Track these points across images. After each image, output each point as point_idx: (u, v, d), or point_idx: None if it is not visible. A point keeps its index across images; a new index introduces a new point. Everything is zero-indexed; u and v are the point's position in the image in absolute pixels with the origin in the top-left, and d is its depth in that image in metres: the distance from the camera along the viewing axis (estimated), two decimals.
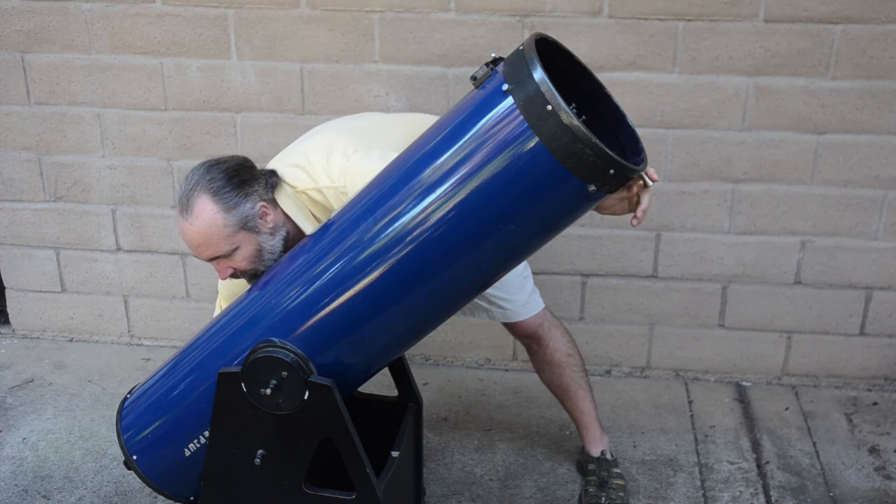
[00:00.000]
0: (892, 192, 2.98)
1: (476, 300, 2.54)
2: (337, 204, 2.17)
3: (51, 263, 3.45)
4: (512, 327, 2.63)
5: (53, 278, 3.48)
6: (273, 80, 3.07)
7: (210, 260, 2.17)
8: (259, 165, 2.27)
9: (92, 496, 2.72)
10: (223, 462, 2.09)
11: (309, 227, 2.19)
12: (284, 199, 2.20)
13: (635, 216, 1.92)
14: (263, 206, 2.15)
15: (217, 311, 2.52)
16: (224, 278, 2.19)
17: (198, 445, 2.13)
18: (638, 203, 1.90)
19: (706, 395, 3.18)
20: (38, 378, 3.31)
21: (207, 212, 2.10)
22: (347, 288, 1.92)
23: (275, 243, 2.18)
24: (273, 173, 2.22)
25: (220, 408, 2.03)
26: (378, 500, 2.00)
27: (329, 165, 2.19)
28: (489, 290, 2.50)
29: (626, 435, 2.97)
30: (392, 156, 2.03)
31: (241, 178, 2.14)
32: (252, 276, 2.19)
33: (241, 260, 2.15)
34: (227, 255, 2.15)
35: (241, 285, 2.28)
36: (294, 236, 2.21)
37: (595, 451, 2.72)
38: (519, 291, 2.55)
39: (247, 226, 2.13)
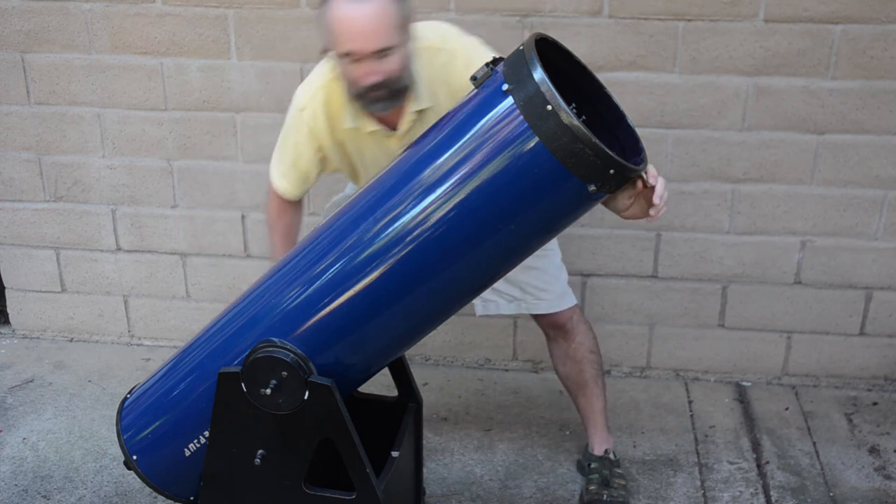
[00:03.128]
0: (892, 192, 2.98)
1: (508, 293, 2.56)
2: (461, 74, 2.08)
3: (51, 263, 3.45)
4: (541, 318, 2.62)
5: (53, 278, 3.48)
6: (273, 80, 3.07)
7: (371, 56, 2.02)
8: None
9: (92, 496, 2.72)
10: (223, 462, 2.09)
11: (423, 87, 2.15)
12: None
13: (653, 205, 1.90)
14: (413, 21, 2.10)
15: (274, 168, 2.41)
16: (371, 82, 2.05)
17: (198, 445, 2.13)
18: (651, 198, 1.90)
19: (706, 395, 3.18)
20: (38, 378, 3.31)
21: None
22: (347, 288, 1.92)
23: (412, 67, 2.11)
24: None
25: (220, 408, 2.03)
26: (378, 500, 2.00)
27: (461, 37, 2.19)
28: (525, 279, 2.52)
29: (626, 435, 2.97)
30: None
31: None
32: (389, 93, 2.08)
33: (396, 62, 2.04)
34: (387, 53, 2.02)
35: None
36: None
37: (599, 450, 2.72)
38: (556, 281, 2.57)
39: (406, 25, 2.05)
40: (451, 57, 2.16)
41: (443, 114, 2.03)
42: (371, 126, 2.23)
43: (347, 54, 2.03)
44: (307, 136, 2.31)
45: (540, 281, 2.54)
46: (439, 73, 2.17)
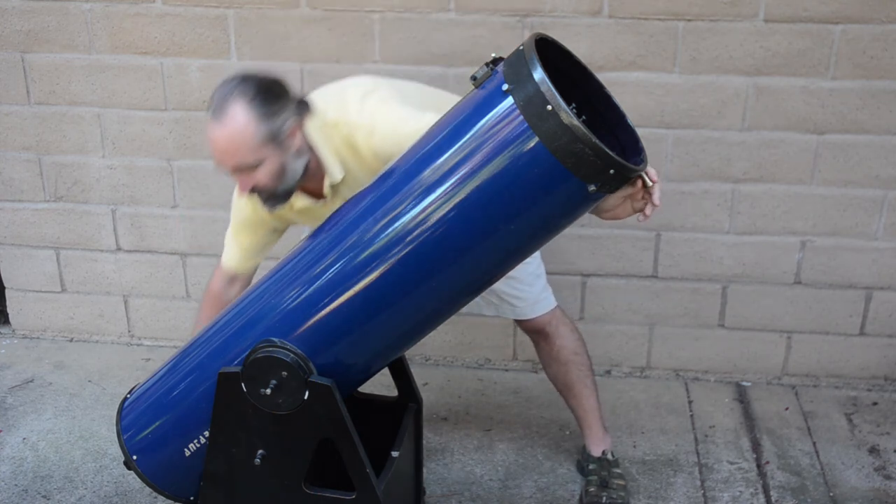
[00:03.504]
0: (892, 192, 2.98)
1: (487, 297, 2.57)
2: (364, 144, 2.14)
3: (51, 263, 3.45)
4: (520, 323, 2.65)
5: (53, 278, 3.48)
6: None
7: (233, 172, 2.11)
8: None
9: (92, 496, 2.72)
10: (223, 462, 2.09)
11: (332, 161, 2.16)
12: (312, 128, 2.16)
13: (644, 213, 1.90)
14: (293, 126, 2.11)
15: (227, 242, 2.48)
16: (243, 192, 2.14)
17: (198, 445, 2.13)
18: (644, 199, 1.89)
19: (706, 395, 3.18)
20: (38, 378, 3.31)
21: (240, 117, 2.04)
22: (347, 288, 1.92)
23: (297, 166, 2.14)
24: (305, 101, 2.18)
25: (220, 408, 2.03)
26: (378, 500, 2.00)
27: (362, 104, 2.17)
28: (500, 287, 2.52)
29: (626, 435, 2.97)
30: (425, 117, 2.02)
31: (275, 92, 2.10)
32: (269, 196, 2.14)
33: (263, 175, 2.10)
34: (251, 168, 2.09)
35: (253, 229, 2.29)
36: (314, 169, 2.18)
37: (596, 451, 2.72)
38: (529, 289, 2.57)
39: (276, 140, 2.08)
40: (351, 129, 2.17)
41: (360, 179, 2.12)
42: (300, 201, 2.27)
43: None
44: (250, 216, 2.37)
45: (513, 289, 2.55)
46: (343, 144, 2.19)
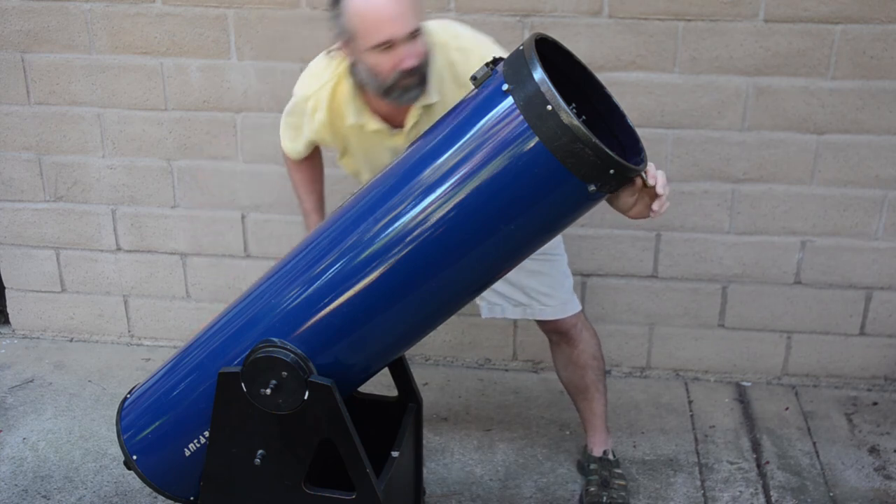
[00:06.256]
0: (892, 192, 2.98)
1: (515, 295, 2.54)
2: (463, 70, 2.12)
3: (51, 263, 3.45)
4: (545, 324, 2.61)
5: (53, 278, 3.48)
6: (273, 80, 3.07)
7: (409, 38, 2.04)
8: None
9: (92, 496, 2.72)
10: (223, 462, 2.09)
11: (432, 83, 2.15)
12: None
13: (658, 197, 1.89)
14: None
15: (289, 140, 2.48)
16: (409, 66, 2.06)
17: (198, 445, 2.13)
18: (654, 196, 1.89)
19: (706, 395, 3.18)
20: (38, 378, 3.31)
21: None
22: (347, 288, 1.92)
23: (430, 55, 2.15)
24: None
25: (220, 408, 2.03)
26: (378, 500, 2.00)
27: (475, 37, 2.23)
28: (532, 285, 2.50)
29: (626, 435, 2.97)
30: None
31: None
32: (420, 80, 2.10)
33: (423, 44, 2.09)
34: (418, 34, 2.06)
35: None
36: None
37: (598, 451, 2.72)
38: (560, 288, 2.55)
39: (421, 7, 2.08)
40: (465, 55, 2.17)
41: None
42: (374, 124, 2.25)
43: (383, 43, 2.04)
44: (308, 125, 2.36)
45: (545, 286, 2.52)
46: (446, 66, 2.18)
